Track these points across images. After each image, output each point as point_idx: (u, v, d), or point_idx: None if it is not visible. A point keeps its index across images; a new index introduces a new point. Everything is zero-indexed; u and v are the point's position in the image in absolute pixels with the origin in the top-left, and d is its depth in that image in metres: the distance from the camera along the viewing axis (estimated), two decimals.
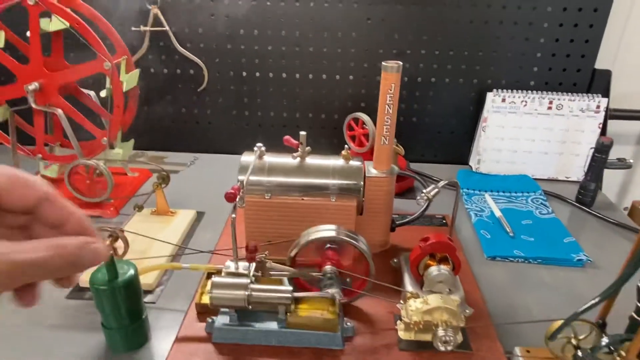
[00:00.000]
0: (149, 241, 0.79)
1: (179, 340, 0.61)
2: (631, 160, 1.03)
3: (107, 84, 0.88)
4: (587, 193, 0.99)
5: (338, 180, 0.74)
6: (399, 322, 0.63)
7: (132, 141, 1.00)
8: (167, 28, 1.08)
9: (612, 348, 0.53)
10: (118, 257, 0.69)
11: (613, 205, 1.02)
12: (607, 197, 1.06)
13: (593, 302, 0.50)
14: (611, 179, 1.25)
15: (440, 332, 0.57)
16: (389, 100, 0.69)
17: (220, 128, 1.20)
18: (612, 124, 1.12)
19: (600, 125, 1.06)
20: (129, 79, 0.93)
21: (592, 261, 0.81)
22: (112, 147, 0.96)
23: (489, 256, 0.82)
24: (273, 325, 0.60)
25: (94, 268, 0.59)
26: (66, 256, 0.29)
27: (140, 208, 0.81)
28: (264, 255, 0.59)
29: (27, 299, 0.31)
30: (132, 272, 0.59)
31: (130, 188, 1.01)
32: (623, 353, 0.49)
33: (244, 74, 1.13)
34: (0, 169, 0.30)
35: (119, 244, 0.70)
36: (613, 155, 0.96)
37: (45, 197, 0.31)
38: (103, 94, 0.90)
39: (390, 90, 0.68)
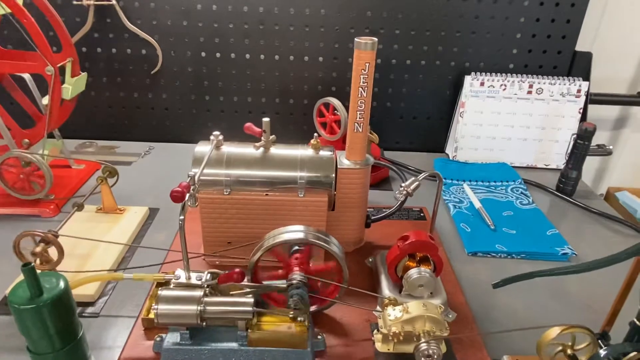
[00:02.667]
0: (93, 244, 0.69)
1: None
2: (610, 147, 0.99)
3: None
4: (568, 182, 0.94)
5: (307, 172, 0.66)
6: (375, 332, 0.56)
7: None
8: (114, 2, 0.96)
9: (611, 359, 0.48)
10: (50, 267, 0.60)
11: (592, 194, 0.98)
12: (585, 183, 1.02)
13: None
14: (587, 164, 1.22)
15: (423, 345, 0.50)
16: (363, 82, 0.61)
17: (178, 114, 1.10)
18: (589, 109, 1.08)
19: (581, 110, 1.02)
20: (76, 84, 0.83)
21: (577, 254, 0.76)
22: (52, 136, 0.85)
23: (470, 252, 0.76)
24: (232, 343, 0.52)
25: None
26: None
27: (80, 207, 0.71)
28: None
29: None
30: (61, 285, 0.49)
31: (74, 182, 0.90)
32: None
33: (203, 54, 1.03)
34: None
35: (53, 251, 0.61)
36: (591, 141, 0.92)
37: None
38: (45, 101, 0.81)
39: (364, 70, 0.60)
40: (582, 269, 0.46)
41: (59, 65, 0.78)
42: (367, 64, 0.60)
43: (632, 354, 0.46)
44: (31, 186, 0.80)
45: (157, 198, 0.86)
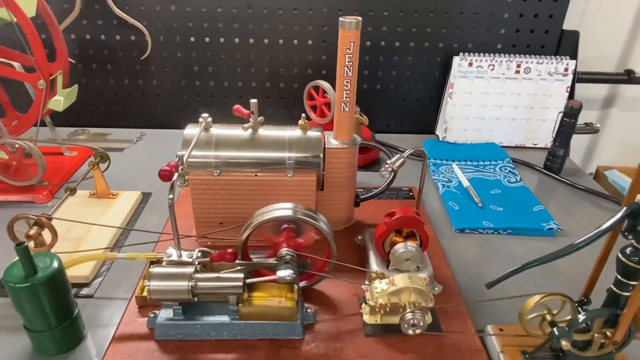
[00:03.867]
0: (86, 228, 0.70)
1: (116, 339, 0.54)
2: (598, 125, 1.00)
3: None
4: (555, 159, 0.96)
5: (295, 153, 0.67)
6: (363, 305, 0.58)
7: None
8: None
9: (589, 323, 0.49)
10: (44, 249, 0.61)
11: (580, 171, 0.99)
12: (574, 162, 1.04)
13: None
14: (576, 144, 1.23)
15: (408, 315, 0.52)
16: (348, 62, 0.62)
17: (169, 100, 1.10)
18: (578, 88, 1.09)
19: (568, 89, 1.03)
20: (68, 96, 0.83)
21: (562, 229, 0.78)
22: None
23: (458, 229, 0.78)
24: (224, 317, 0.53)
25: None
26: None
27: (72, 191, 0.72)
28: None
29: None
30: (55, 265, 0.51)
31: (67, 169, 0.90)
32: (608, 333, 0.45)
33: (192, 39, 1.03)
34: None
35: (46, 233, 0.62)
36: (579, 120, 0.93)
37: None
38: None
39: (349, 49, 0.61)
40: (569, 251, 0.47)
41: (51, 77, 0.79)
42: (352, 43, 0.61)
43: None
44: (24, 173, 0.81)
45: (149, 183, 0.87)
